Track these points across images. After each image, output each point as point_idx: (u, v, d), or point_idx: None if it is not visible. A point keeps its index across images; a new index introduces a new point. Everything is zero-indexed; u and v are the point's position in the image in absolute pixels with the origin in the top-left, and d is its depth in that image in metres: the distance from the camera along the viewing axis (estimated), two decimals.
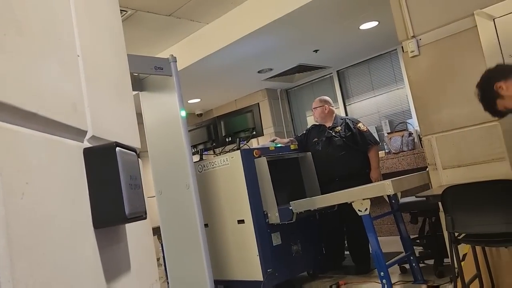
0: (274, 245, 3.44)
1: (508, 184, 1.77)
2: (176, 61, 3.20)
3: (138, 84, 3.36)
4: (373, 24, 4.63)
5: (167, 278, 3.39)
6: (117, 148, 0.61)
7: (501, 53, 2.59)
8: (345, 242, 3.98)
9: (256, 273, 3.35)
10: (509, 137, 2.56)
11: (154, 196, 3.30)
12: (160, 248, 3.85)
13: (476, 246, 2.55)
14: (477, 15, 2.67)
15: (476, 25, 2.68)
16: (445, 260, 3.16)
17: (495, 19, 2.61)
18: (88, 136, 0.62)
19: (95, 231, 0.58)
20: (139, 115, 3.11)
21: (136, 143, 0.83)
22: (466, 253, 2.60)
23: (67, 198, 0.53)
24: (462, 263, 2.41)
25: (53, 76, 0.54)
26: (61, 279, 0.48)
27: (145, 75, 3.27)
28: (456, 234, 2.30)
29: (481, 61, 2.65)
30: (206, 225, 3.36)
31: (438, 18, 2.88)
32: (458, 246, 2.31)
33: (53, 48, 0.56)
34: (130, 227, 0.71)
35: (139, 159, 0.74)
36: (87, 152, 0.60)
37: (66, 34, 0.62)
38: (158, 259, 4.41)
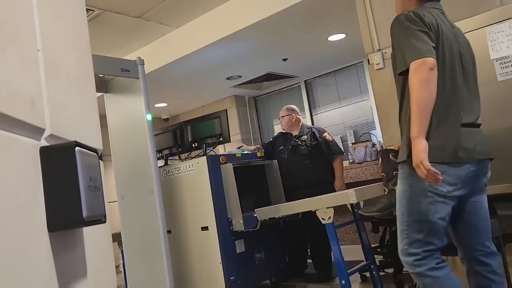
0: (237, 252, 3.42)
1: None
2: (143, 64, 3.15)
3: (104, 85, 3.27)
4: (341, 36, 4.74)
5: (126, 286, 3.30)
6: (77, 148, 0.58)
7: None
8: (308, 250, 4.01)
9: (218, 281, 3.31)
10: None
11: (115, 201, 3.21)
12: (120, 255, 3.74)
13: None
14: None
15: None
16: (404, 269, 3.24)
17: None
18: (46, 134, 0.59)
19: (49, 234, 0.55)
20: (104, 117, 3.04)
21: (97, 144, 0.80)
22: None
23: (19, 198, 0.50)
24: None
25: (9, 70, 0.51)
26: (9, 286, 0.45)
27: (111, 76, 3.19)
28: None
29: None
30: (169, 232, 3.29)
31: None
32: None
33: (10, 41, 0.53)
34: (88, 231, 0.68)
35: (100, 160, 0.71)
36: (44, 151, 0.57)
37: (26, 27, 0.59)
38: (117, 266, 4.28)
